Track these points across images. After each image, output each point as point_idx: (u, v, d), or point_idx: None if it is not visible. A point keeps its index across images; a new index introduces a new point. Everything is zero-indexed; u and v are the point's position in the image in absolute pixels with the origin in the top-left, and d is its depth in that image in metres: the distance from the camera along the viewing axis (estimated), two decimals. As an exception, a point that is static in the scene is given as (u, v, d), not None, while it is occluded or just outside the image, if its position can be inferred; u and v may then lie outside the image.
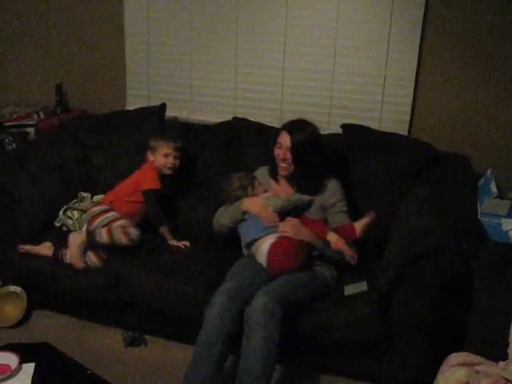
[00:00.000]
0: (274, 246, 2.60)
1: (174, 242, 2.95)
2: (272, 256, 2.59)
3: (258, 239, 2.68)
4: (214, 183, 3.07)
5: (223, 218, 2.80)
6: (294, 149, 2.66)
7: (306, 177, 2.76)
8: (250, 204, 2.75)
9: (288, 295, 2.42)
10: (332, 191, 2.77)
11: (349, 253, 2.58)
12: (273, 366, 2.27)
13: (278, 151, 2.73)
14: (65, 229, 3.10)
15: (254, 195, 2.81)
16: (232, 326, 2.33)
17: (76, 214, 3.12)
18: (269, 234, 2.67)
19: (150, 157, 3.04)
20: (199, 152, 3.25)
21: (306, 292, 2.51)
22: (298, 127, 2.71)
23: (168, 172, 3.02)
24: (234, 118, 3.38)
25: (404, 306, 2.32)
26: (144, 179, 2.98)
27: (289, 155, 2.68)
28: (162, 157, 3.00)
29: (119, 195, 3.00)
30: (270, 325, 2.25)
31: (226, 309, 2.34)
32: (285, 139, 2.68)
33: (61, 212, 3.13)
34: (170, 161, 3.00)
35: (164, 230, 2.96)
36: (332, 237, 2.61)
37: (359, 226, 2.62)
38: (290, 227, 2.63)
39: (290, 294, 2.44)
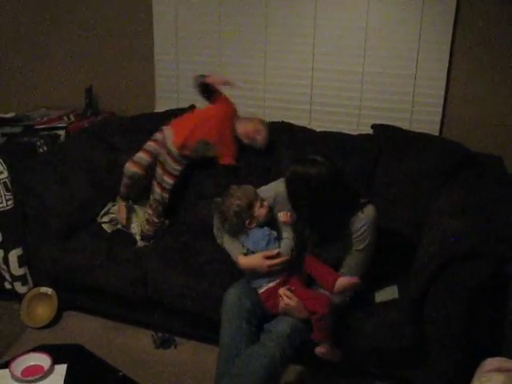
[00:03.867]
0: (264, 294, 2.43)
1: None
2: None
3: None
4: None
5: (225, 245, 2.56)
6: (286, 183, 2.37)
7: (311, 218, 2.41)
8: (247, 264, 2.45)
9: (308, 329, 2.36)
10: (356, 227, 2.36)
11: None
12: (273, 379, 2.26)
13: None
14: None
15: (254, 217, 2.41)
16: (247, 321, 2.36)
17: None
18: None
19: None
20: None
21: None
22: (304, 162, 2.31)
23: None
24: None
25: (437, 311, 2.28)
26: None
27: None
28: None
29: None
30: (285, 349, 2.25)
31: (239, 304, 2.38)
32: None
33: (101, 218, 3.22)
34: None
35: None
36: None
37: (343, 281, 2.35)
38: (292, 308, 2.34)
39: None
